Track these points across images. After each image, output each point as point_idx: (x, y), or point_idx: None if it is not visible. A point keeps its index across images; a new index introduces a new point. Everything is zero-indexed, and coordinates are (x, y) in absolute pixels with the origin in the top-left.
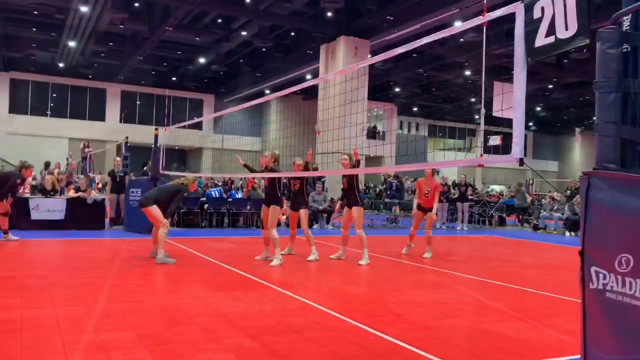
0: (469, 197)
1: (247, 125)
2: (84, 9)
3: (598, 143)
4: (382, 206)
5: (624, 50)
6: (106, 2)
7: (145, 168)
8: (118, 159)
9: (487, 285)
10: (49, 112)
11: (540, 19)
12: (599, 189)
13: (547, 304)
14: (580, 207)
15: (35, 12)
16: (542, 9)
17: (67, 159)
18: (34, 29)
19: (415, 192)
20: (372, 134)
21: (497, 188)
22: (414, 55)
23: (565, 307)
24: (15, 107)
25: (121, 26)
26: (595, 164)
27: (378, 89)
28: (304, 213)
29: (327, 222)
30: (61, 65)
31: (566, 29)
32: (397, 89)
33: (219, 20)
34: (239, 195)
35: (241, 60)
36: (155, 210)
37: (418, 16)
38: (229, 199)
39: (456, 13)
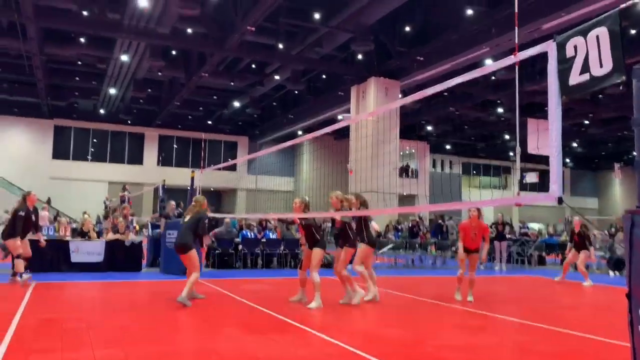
0: (507, 236)
1: (280, 166)
2: (124, 58)
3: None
4: (417, 245)
5: None
6: (145, 51)
7: (166, 210)
8: (173, 202)
9: (529, 328)
10: (89, 157)
11: (573, 57)
12: None
13: (593, 348)
14: (625, 246)
15: (79, 62)
16: (575, 47)
17: (105, 202)
18: (77, 78)
19: (459, 234)
20: (405, 172)
21: (535, 226)
22: (445, 94)
23: (614, 351)
24: (58, 152)
25: (159, 73)
26: (638, 202)
27: (410, 128)
28: (343, 252)
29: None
30: (102, 111)
31: (601, 66)
32: (429, 127)
33: (253, 66)
34: (273, 235)
35: (274, 103)
36: (193, 256)
37: (448, 56)
38: (263, 240)
39: (487, 52)
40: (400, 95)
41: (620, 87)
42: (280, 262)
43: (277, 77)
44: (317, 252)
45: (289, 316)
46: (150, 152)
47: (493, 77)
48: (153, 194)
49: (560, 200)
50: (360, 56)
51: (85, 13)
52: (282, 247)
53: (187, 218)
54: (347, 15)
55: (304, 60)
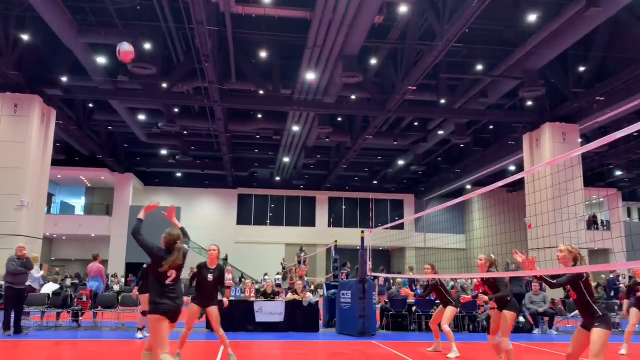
0: None
1: (449, 223)
2: (295, 128)
3: None
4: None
5: None
6: (314, 120)
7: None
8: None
9: None
10: (267, 221)
11: None
12: None
13: None
14: None
15: (257, 136)
16: None
17: (282, 263)
18: (256, 150)
19: None
20: (592, 224)
21: None
22: (635, 133)
23: None
24: (242, 218)
25: (327, 139)
26: None
27: (595, 174)
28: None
29: (550, 326)
30: (277, 178)
31: None
32: (618, 172)
33: (415, 123)
34: None
35: (439, 158)
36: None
37: (634, 92)
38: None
39: None
40: (580, 140)
41: None
42: (457, 325)
43: (440, 132)
44: (508, 315)
45: None
46: (322, 214)
47: None
48: (325, 254)
49: None
50: (530, 102)
51: (261, 92)
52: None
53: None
54: (513, 62)
55: (468, 112)
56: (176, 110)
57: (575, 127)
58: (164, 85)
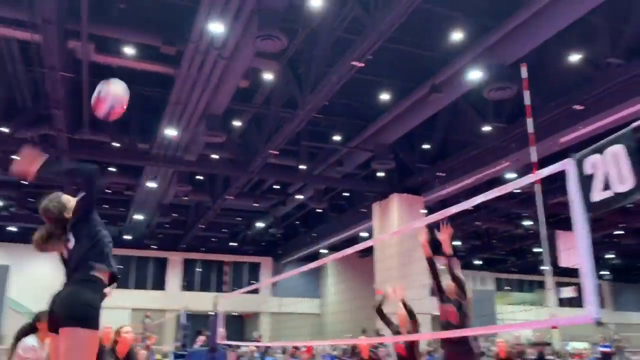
0: (549, 358)
1: (305, 288)
2: (151, 184)
3: None
4: None
5: None
6: (172, 177)
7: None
8: (203, 337)
9: None
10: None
11: (592, 175)
12: None
13: None
14: None
15: (108, 190)
16: (593, 164)
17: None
18: (106, 206)
19: None
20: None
21: (579, 345)
22: (471, 208)
23: None
24: None
25: (185, 198)
26: None
27: (438, 244)
28: None
29: None
30: (127, 237)
31: (622, 183)
32: (457, 243)
33: (276, 187)
34: None
35: (297, 222)
36: None
37: (469, 171)
38: None
39: (508, 166)
40: (423, 211)
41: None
42: None
43: (299, 197)
44: None
45: None
46: (174, 276)
47: (518, 190)
48: (176, 321)
49: (599, 322)
50: (381, 173)
51: (116, 144)
52: None
53: None
54: (367, 136)
55: (326, 179)
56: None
57: (420, 199)
58: (6, 130)
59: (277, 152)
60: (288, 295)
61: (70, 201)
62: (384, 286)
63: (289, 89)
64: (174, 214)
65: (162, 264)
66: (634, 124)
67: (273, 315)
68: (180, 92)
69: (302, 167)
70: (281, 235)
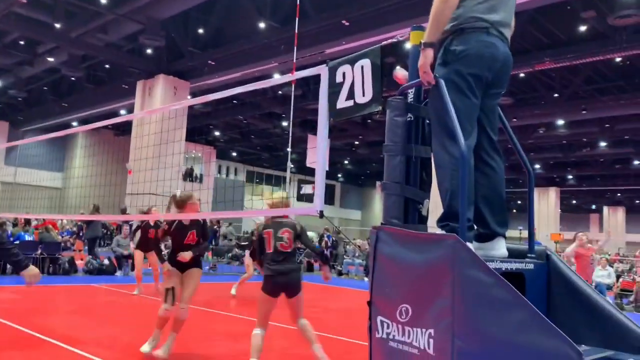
0: None
1: (47, 159)
2: None
3: (385, 200)
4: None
5: (409, 119)
6: None
7: None
8: None
9: (289, 332)
10: None
11: (342, 83)
12: (384, 242)
13: (344, 349)
14: (369, 259)
15: None
16: (344, 74)
17: None
18: None
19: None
20: (189, 176)
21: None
22: (235, 101)
23: (361, 352)
24: None
25: None
26: (383, 219)
27: (197, 131)
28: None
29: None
30: None
31: (363, 95)
32: (216, 133)
33: (22, 42)
34: (28, 237)
35: (45, 88)
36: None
37: (239, 65)
38: (16, 242)
39: (275, 66)
40: (189, 97)
41: (378, 115)
42: (39, 268)
43: (50, 59)
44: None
45: (35, 329)
46: None
47: (280, 92)
48: None
49: (321, 214)
50: (149, 50)
51: None
52: (39, 251)
53: None
54: (138, 5)
55: (85, 45)
56: None
57: (187, 84)
58: None
59: (26, 1)
60: (26, 166)
61: None
62: (136, 165)
63: None
64: None
65: None
66: (384, 42)
67: (4, 185)
68: None
69: (57, 25)
70: (23, 99)
